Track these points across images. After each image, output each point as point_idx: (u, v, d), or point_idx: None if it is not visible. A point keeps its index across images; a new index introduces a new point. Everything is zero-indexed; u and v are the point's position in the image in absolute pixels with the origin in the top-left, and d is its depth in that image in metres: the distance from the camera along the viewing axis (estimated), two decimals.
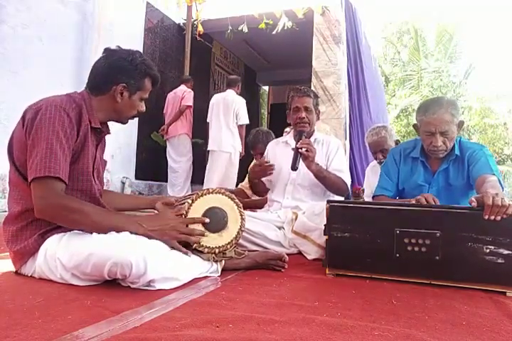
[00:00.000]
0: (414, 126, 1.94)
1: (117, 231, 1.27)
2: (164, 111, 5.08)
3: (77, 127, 1.32)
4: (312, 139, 2.35)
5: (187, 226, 1.39)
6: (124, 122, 1.50)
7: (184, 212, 1.42)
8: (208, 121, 4.84)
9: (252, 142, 3.37)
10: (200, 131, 5.34)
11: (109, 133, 1.51)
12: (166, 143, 5.14)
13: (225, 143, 4.68)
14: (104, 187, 1.59)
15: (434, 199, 1.59)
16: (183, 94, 4.93)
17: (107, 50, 1.43)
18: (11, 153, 1.33)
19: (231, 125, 4.70)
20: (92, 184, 1.39)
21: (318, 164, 2.15)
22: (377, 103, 6.72)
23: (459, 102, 13.10)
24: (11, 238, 1.32)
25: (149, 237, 1.29)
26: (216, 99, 4.80)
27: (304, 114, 2.29)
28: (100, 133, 1.45)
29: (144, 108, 1.49)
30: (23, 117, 1.31)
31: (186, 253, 1.35)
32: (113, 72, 1.38)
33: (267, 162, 2.29)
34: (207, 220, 1.41)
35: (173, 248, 1.37)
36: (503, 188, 1.68)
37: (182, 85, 5.09)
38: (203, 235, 1.40)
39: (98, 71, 1.41)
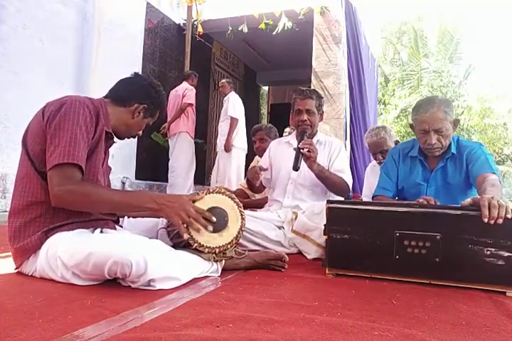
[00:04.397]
0: (411, 126, 1.96)
1: (132, 209, 1.35)
2: (166, 109, 5.05)
3: (95, 125, 1.38)
4: (314, 140, 2.35)
5: None
6: (122, 138, 1.58)
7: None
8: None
9: (254, 128, 3.57)
10: (200, 131, 5.34)
11: (114, 142, 1.56)
12: (168, 143, 5.13)
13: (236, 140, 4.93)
14: None
15: (436, 201, 1.59)
16: (184, 92, 4.91)
17: (136, 74, 1.58)
18: (26, 144, 1.35)
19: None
20: (101, 182, 1.43)
21: (319, 164, 2.15)
22: (374, 103, 6.75)
23: (458, 102, 13.11)
24: (14, 234, 1.32)
25: (157, 212, 1.33)
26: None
27: (305, 117, 2.29)
28: (110, 139, 1.51)
29: (141, 133, 1.62)
30: (44, 110, 1.34)
31: (184, 234, 1.33)
32: (141, 93, 1.52)
33: (261, 169, 2.27)
34: (214, 219, 1.40)
35: (172, 246, 1.38)
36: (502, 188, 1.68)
37: (184, 82, 5.07)
38: (206, 227, 1.38)
39: (127, 86, 1.53)
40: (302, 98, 2.32)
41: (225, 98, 5.09)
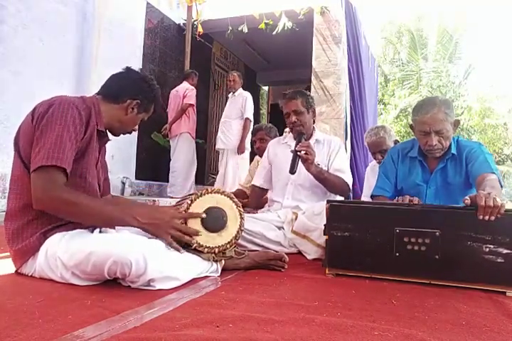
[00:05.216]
0: (411, 126, 1.96)
1: (113, 224, 1.35)
2: (167, 110, 5.02)
3: (86, 125, 1.36)
4: (313, 140, 2.35)
5: (185, 222, 1.38)
6: (117, 134, 1.55)
7: (183, 212, 1.42)
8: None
9: (255, 128, 3.59)
10: (200, 131, 5.33)
11: (109, 139, 1.55)
12: (170, 143, 5.09)
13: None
14: None
15: (412, 200, 1.60)
16: (184, 92, 4.87)
17: (129, 68, 1.53)
18: (17, 145, 1.34)
19: None
20: (91, 183, 1.41)
21: (318, 166, 2.14)
22: (373, 104, 6.75)
23: (458, 102, 13.10)
24: (11, 236, 1.32)
25: (144, 230, 1.31)
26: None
27: (294, 118, 2.28)
28: (103, 137, 1.49)
29: (137, 129, 1.58)
30: (34, 111, 1.33)
31: (178, 250, 1.33)
32: (133, 88, 1.48)
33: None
34: (203, 215, 1.40)
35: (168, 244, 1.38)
36: (502, 187, 1.68)
37: (184, 82, 5.03)
38: (197, 234, 1.38)
39: (119, 82, 1.49)
40: (286, 101, 2.32)
41: (235, 94, 4.84)
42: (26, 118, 1.34)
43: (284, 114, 2.35)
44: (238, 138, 4.76)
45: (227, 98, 5.12)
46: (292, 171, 2.01)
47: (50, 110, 1.28)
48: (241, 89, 4.89)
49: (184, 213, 1.40)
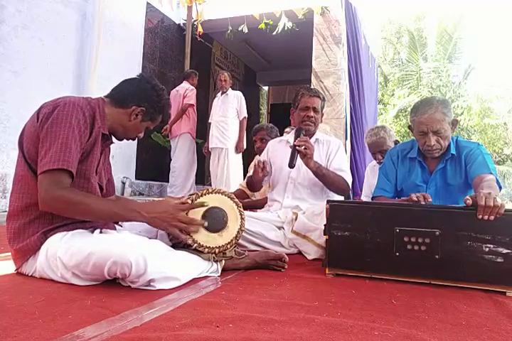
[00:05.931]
0: (409, 127, 1.96)
1: (117, 219, 1.36)
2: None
3: (91, 127, 1.36)
4: (313, 139, 2.36)
5: (187, 214, 1.39)
6: (120, 139, 1.55)
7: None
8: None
9: (256, 128, 3.56)
10: (200, 131, 5.33)
11: (113, 142, 1.54)
12: (170, 143, 5.09)
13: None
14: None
15: (425, 196, 1.59)
16: (184, 92, 4.88)
17: (142, 76, 1.54)
18: (22, 145, 1.34)
19: None
20: (93, 185, 1.41)
21: (317, 162, 2.15)
22: (372, 104, 6.76)
23: (458, 102, 13.10)
24: (13, 235, 1.32)
25: (149, 224, 1.32)
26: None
27: (312, 113, 2.31)
28: (107, 139, 1.49)
29: (142, 135, 1.57)
30: (38, 111, 1.33)
31: (186, 241, 1.36)
32: (140, 95, 1.47)
33: (263, 164, 2.23)
34: (205, 224, 1.41)
35: (172, 246, 1.38)
36: (500, 187, 1.68)
37: (184, 82, 5.03)
38: (202, 225, 1.39)
39: (129, 87, 1.49)
40: (312, 95, 2.34)
41: (227, 93, 4.87)
42: (31, 118, 1.35)
43: (301, 106, 2.35)
44: (236, 137, 4.81)
45: None
46: (291, 165, 2.01)
47: (55, 111, 1.29)
48: (230, 88, 4.94)
49: (187, 204, 1.39)
